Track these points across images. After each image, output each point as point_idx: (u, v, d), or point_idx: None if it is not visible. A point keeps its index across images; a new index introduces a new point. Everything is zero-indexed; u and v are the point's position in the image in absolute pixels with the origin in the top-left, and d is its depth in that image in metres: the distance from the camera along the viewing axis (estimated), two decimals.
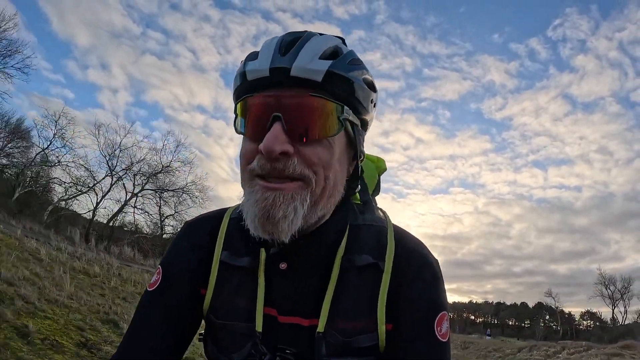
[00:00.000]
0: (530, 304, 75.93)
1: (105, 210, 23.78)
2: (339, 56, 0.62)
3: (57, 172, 23.07)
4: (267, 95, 0.60)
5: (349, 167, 0.69)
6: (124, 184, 23.92)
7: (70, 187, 23.04)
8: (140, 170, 24.02)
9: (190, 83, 69.28)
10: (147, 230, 25.38)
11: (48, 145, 22.41)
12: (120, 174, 23.63)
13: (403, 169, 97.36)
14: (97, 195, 23.38)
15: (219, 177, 53.21)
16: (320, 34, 0.66)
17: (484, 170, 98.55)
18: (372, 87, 0.67)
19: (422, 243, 0.75)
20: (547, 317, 71.77)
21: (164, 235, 25.04)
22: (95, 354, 3.75)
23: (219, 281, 0.72)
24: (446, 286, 0.74)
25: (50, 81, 48.10)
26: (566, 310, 70.08)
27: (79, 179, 23.09)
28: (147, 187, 24.31)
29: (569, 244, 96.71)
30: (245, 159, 0.62)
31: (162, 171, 24.31)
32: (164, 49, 62.33)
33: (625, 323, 50.67)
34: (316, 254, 0.68)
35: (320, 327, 0.65)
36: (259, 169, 0.60)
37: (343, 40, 0.69)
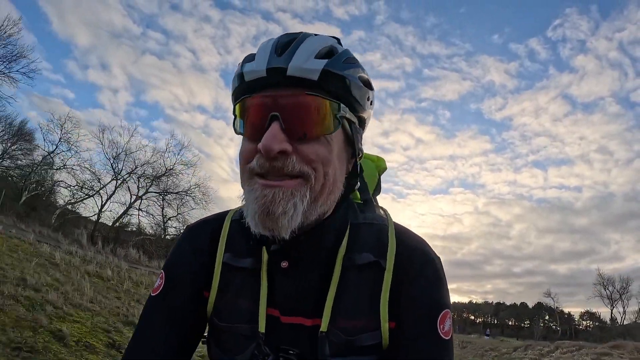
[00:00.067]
0: (530, 304, 76.32)
1: (111, 213, 24.33)
2: (334, 55, 0.64)
3: (62, 176, 23.57)
4: (264, 96, 0.61)
5: (348, 164, 0.70)
6: (128, 186, 24.48)
7: (77, 191, 23.54)
8: (144, 172, 24.56)
9: (191, 83, 69.37)
10: (150, 231, 25.92)
11: (54, 149, 22.90)
12: (125, 177, 24.17)
13: (403, 169, 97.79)
14: (101, 197, 23.91)
15: (220, 177, 53.79)
16: (316, 35, 0.67)
17: (484, 170, 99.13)
18: (368, 85, 0.68)
19: (424, 241, 0.75)
20: (547, 317, 72.01)
21: (167, 237, 25.49)
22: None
23: (222, 283, 0.73)
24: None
25: (51, 81, 48.09)
26: (566, 310, 70.40)
27: (84, 182, 23.62)
28: (151, 189, 24.84)
29: (569, 244, 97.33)
30: (245, 158, 0.64)
31: (166, 174, 24.83)
32: (164, 49, 62.54)
33: (625, 323, 50.89)
34: (317, 251, 0.69)
35: (324, 327, 0.66)
36: (258, 168, 0.61)
37: (338, 40, 0.70)
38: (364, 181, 0.83)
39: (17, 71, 19.85)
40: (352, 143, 0.68)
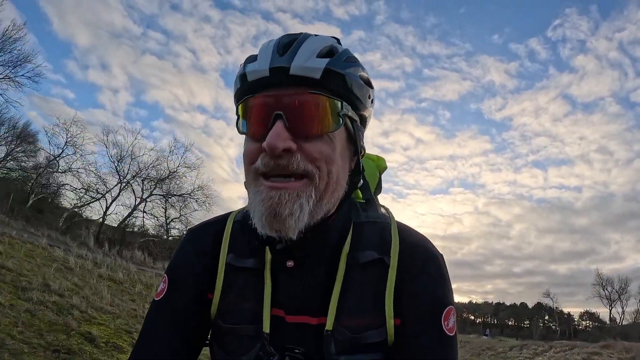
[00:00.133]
0: (530, 304, 76.26)
1: (117, 215, 24.80)
2: (335, 54, 0.64)
3: (67, 179, 23.92)
4: (267, 95, 0.62)
5: (351, 162, 0.70)
6: (132, 189, 24.87)
7: (83, 194, 23.90)
8: (148, 175, 24.97)
9: (191, 83, 69.13)
10: (153, 232, 26.36)
11: (60, 153, 23.25)
12: (129, 179, 24.56)
13: (403, 169, 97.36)
14: (106, 200, 24.31)
15: (220, 178, 53.98)
16: (316, 35, 0.68)
17: (484, 170, 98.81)
18: (368, 83, 0.69)
19: (426, 238, 0.75)
20: (547, 317, 72.22)
21: (170, 238, 25.91)
22: None
23: (225, 284, 0.74)
24: None
25: (51, 81, 48.36)
26: (566, 310, 70.16)
27: (89, 185, 23.97)
28: (155, 192, 25.24)
29: (569, 244, 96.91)
30: (249, 158, 0.64)
31: (170, 176, 25.26)
32: (164, 49, 62.56)
33: (623, 324, 51.12)
34: (322, 250, 0.70)
35: (329, 325, 0.67)
36: (262, 167, 0.61)
37: (338, 40, 0.71)
38: (365, 180, 0.83)
39: (22, 75, 19.96)
40: (354, 141, 0.69)
